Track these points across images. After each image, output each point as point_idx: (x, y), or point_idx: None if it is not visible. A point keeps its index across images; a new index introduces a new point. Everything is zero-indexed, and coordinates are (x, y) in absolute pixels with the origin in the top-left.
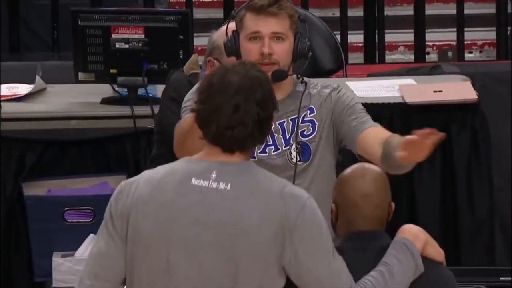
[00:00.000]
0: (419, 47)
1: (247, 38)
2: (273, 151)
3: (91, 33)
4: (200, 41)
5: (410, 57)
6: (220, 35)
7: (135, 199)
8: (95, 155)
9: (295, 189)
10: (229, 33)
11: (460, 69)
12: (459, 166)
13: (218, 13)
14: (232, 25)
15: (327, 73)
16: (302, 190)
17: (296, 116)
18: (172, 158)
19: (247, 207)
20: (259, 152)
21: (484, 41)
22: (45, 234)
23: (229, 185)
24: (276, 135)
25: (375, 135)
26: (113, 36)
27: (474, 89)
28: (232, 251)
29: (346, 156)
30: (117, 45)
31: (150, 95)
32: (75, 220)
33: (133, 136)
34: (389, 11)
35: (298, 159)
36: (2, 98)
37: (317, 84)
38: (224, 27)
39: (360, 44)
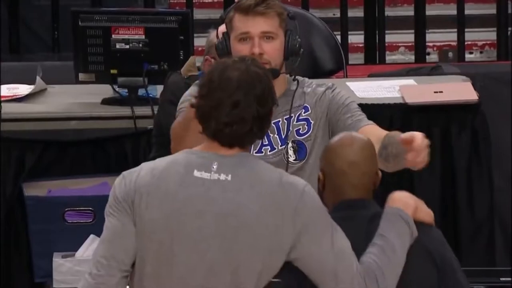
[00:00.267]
0: (419, 47)
1: (237, 39)
2: (269, 151)
3: (91, 34)
4: (200, 41)
5: (411, 57)
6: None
7: (138, 187)
8: (95, 155)
9: (292, 178)
10: (220, 35)
11: (461, 69)
12: (459, 166)
13: (218, 14)
14: (223, 28)
15: (328, 74)
16: (298, 178)
17: (291, 115)
18: None
19: (248, 198)
20: (255, 152)
21: (484, 42)
22: (45, 235)
23: (229, 176)
24: (271, 134)
25: (370, 133)
26: (113, 36)
27: (475, 89)
28: (234, 242)
29: None
30: (118, 46)
31: (151, 95)
32: (75, 221)
33: (133, 136)
34: (389, 12)
35: (293, 158)
36: (2, 99)
37: (311, 83)
38: (221, 27)
39: (360, 45)
